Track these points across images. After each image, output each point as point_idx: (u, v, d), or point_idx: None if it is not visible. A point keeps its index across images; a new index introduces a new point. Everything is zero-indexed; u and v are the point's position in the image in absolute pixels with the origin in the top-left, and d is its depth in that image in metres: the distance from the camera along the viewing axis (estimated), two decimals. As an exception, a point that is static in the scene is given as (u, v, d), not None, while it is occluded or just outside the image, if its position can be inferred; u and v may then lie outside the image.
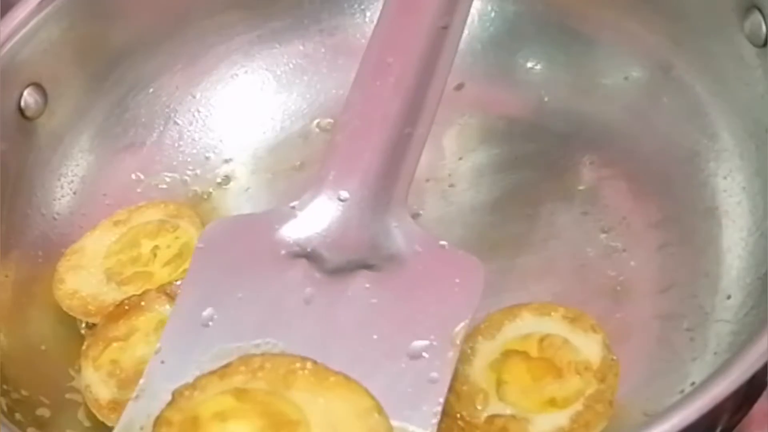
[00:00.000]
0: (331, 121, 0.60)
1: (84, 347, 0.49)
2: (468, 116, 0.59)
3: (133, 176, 0.58)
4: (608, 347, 0.47)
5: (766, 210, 0.51)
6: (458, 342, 0.43)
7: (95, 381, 0.48)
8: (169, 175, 0.58)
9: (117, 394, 0.47)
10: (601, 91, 0.58)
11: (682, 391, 0.47)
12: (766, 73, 0.51)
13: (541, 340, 0.47)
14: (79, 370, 0.49)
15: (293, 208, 0.47)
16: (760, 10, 0.51)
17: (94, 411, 0.48)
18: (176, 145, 0.59)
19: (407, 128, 0.47)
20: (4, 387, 0.47)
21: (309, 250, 0.46)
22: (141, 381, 0.44)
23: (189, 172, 0.58)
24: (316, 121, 0.60)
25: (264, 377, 0.42)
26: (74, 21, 0.55)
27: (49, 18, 0.54)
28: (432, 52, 0.49)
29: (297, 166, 0.59)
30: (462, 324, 0.43)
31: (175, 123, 0.59)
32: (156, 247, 0.52)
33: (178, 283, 0.48)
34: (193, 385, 0.42)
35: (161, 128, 0.59)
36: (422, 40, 0.48)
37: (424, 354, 0.43)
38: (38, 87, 0.54)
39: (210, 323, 0.45)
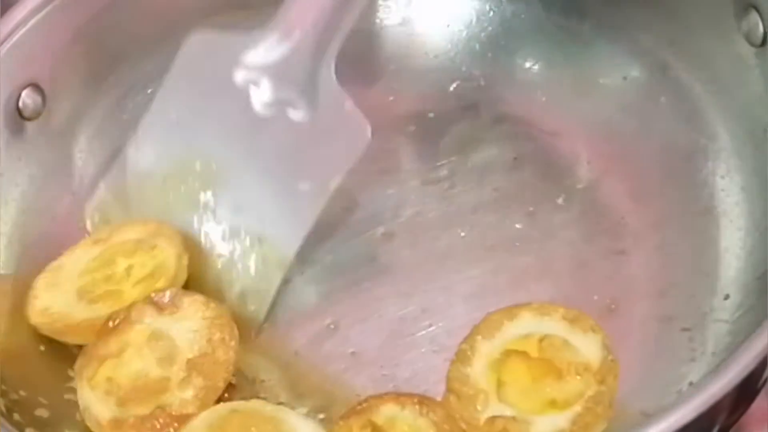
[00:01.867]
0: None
1: (77, 367, 0.49)
2: (468, 116, 0.59)
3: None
4: (608, 348, 0.47)
5: (765, 210, 0.51)
6: (331, 189, 0.51)
7: (93, 401, 0.47)
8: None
9: (117, 411, 0.47)
10: (599, 90, 0.58)
11: (680, 391, 0.47)
12: (763, 72, 0.51)
13: (541, 340, 0.47)
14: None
15: (259, 36, 0.53)
16: (758, 10, 0.51)
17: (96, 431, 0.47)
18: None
19: None
20: (3, 387, 0.47)
21: (258, 77, 0.52)
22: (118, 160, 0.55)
23: (189, 173, 0.58)
24: (315, 121, 0.60)
25: None
26: (74, 21, 0.55)
27: (48, 18, 0.54)
28: None
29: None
30: (337, 177, 0.51)
31: (175, 123, 0.59)
32: (131, 266, 0.52)
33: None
34: None
35: (161, 128, 0.59)
36: None
37: (308, 193, 0.52)
38: (36, 88, 0.54)
39: (177, 123, 0.54)
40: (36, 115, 0.54)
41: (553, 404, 0.45)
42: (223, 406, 0.47)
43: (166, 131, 0.54)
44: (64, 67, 0.55)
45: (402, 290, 0.53)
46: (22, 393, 0.48)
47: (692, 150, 0.55)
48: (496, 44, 0.60)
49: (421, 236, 0.54)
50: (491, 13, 0.61)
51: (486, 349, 0.47)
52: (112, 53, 0.57)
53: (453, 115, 0.59)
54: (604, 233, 0.54)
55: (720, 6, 0.52)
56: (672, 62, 0.56)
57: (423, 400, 0.46)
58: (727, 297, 0.50)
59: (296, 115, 0.52)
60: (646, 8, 0.57)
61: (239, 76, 0.53)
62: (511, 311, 0.49)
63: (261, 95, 0.52)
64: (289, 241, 0.52)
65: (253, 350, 0.51)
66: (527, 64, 0.60)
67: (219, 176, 0.53)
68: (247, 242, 0.52)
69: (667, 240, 0.53)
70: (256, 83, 0.53)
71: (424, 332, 0.51)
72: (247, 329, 0.51)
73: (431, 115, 0.59)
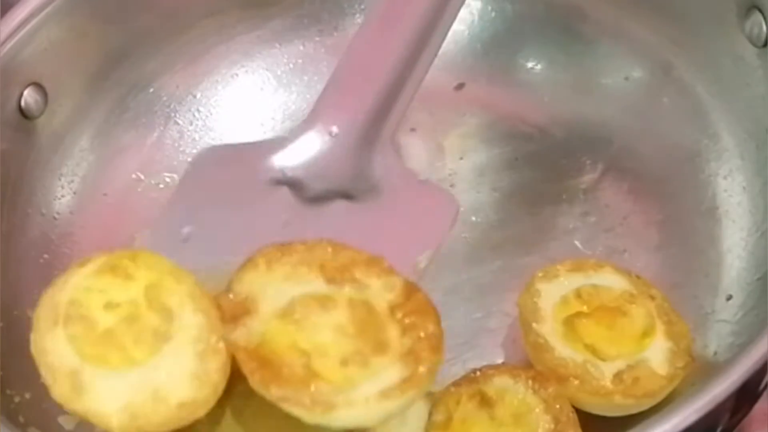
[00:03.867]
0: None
1: None
2: (468, 116, 0.59)
3: (133, 176, 0.58)
4: (622, 271, 0.49)
5: (767, 210, 0.51)
6: (421, 268, 0.45)
7: None
8: (169, 175, 0.58)
9: None
10: (601, 91, 0.58)
11: (682, 392, 0.47)
12: (766, 73, 0.51)
13: (577, 296, 0.48)
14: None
15: (284, 138, 0.48)
16: (761, 11, 0.51)
17: None
18: (176, 145, 0.59)
19: (405, 71, 0.49)
20: (7, 392, 0.48)
21: (293, 178, 0.47)
22: None
23: (189, 172, 0.58)
24: (316, 121, 0.60)
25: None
26: (74, 21, 0.55)
27: (49, 18, 0.54)
28: (438, 4, 0.50)
29: (297, 166, 0.59)
30: (426, 253, 0.46)
31: (175, 123, 0.59)
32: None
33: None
34: None
35: (161, 128, 0.59)
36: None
37: None
38: (38, 87, 0.54)
39: (189, 240, 0.47)
40: (38, 114, 0.54)
41: (644, 334, 0.47)
42: None
43: (177, 254, 0.45)
44: (66, 66, 0.55)
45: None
46: (26, 395, 0.48)
47: (694, 150, 0.55)
48: (497, 44, 0.60)
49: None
50: (493, 13, 0.61)
51: (551, 329, 0.47)
52: (114, 52, 0.57)
53: (454, 115, 0.59)
54: (605, 233, 0.54)
55: (723, 6, 0.52)
56: (674, 62, 0.56)
57: (537, 376, 0.46)
58: (729, 297, 0.50)
59: (353, 204, 0.47)
60: (649, 8, 0.57)
61: (270, 179, 0.47)
62: (529, 291, 0.49)
63: (303, 194, 0.47)
64: None
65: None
66: (529, 64, 0.60)
67: None
68: None
69: (669, 240, 0.53)
70: (294, 184, 0.47)
71: (425, 332, 0.51)
72: None
73: (432, 114, 0.59)
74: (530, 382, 0.46)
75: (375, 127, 0.48)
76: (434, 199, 0.47)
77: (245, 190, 0.48)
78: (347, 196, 0.47)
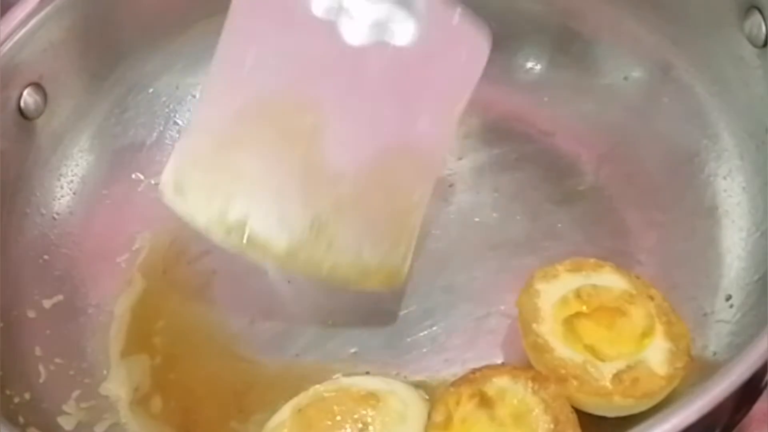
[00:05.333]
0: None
1: None
2: (468, 116, 0.59)
3: (133, 176, 0.58)
4: (621, 270, 0.49)
5: (766, 210, 0.51)
6: (457, 115, 0.47)
7: None
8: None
9: None
10: (601, 91, 0.59)
11: (682, 393, 0.47)
12: (765, 73, 0.51)
13: (577, 296, 0.48)
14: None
15: None
16: (760, 11, 0.51)
17: None
18: (176, 145, 0.59)
19: None
20: (7, 392, 0.48)
21: (342, 8, 0.46)
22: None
23: (189, 172, 0.58)
24: (316, 121, 0.60)
25: None
26: (74, 21, 0.55)
27: (49, 18, 0.54)
28: None
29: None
30: (462, 100, 0.47)
31: (175, 123, 0.59)
32: None
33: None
34: None
35: (161, 128, 0.59)
36: None
37: (431, 126, 0.47)
38: (38, 87, 0.54)
39: (248, 72, 0.48)
40: (38, 114, 0.54)
41: (643, 335, 0.47)
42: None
43: (241, 81, 0.48)
44: (66, 67, 0.55)
45: (403, 290, 0.52)
46: (26, 396, 0.48)
47: (694, 150, 0.55)
48: (497, 44, 0.60)
49: (423, 236, 0.54)
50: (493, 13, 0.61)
51: (550, 329, 0.47)
52: (114, 52, 0.57)
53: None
54: (605, 233, 0.54)
55: (722, 7, 0.52)
56: (674, 63, 0.56)
57: (536, 377, 0.46)
58: (728, 298, 0.50)
59: (399, 37, 0.46)
60: (649, 8, 0.57)
61: (320, 6, 0.46)
62: (528, 292, 0.49)
63: (352, 22, 0.46)
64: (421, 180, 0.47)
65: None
66: (529, 65, 0.60)
67: (317, 125, 0.46)
68: None
69: (669, 240, 0.53)
70: (342, 10, 0.46)
71: (425, 332, 0.51)
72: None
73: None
74: (530, 382, 0.46)
75: None
76: (467, 41, 0.47)
77: (296, 24, 0.47)
78: (392, 23, 0.46)
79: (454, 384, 0.46)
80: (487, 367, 0.47)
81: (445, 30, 0.46)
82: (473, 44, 0.46)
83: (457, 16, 0.46)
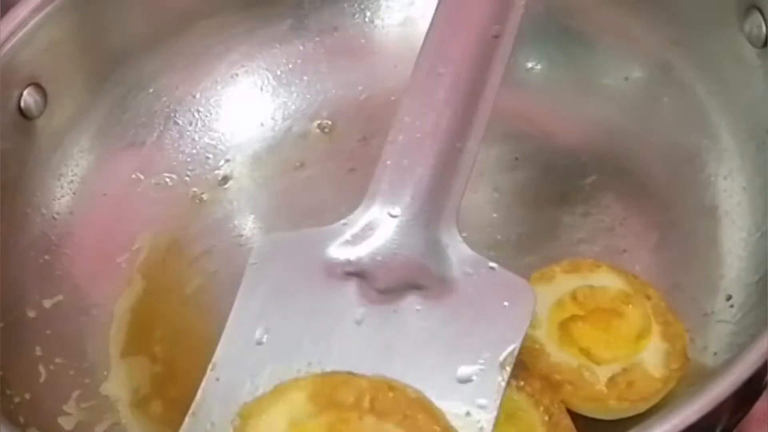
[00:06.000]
0: (331, 122, 0.60)
1: None
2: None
3: (133, 176, 0.58)
4: (620, 271, 0.49)
5: (767, 210, 0.51)
6: (507, 367, 0.43)
7: None
8: (169, 175, 0.58)
9: None
10: (601, 91, 0.58)
11: (682, 393, 0.47)
12: (766, 73, 0.51)
13: (573, 298, 0.48)
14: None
15: (344, 224, 0.46)
16: (760, 11, 0.51)
17: None
18: (176, 145, 0.59)
19: (458, 142, 0.47)
20: (7, 392, 0.48)
21: (360, 269, 0.46)
22: (197, 397, 0.44)
23: (189, 172, 0.58)
24: (316, 122, 0.60)
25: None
26: (74, 21, 0.55)
27: (49, 18, 0.54)
28: (483, 62, 0.48)
29: (297, 166, 0.59)
30: (510, 348, 0.43)
31: (175, 123, 0.59)
32: None
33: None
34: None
35: (161, 128, 0.59)
36: (473, 50, 0.48)
37: (474, 378, 0.43)
38: (38, 87, 0.54)
39: (263, 341, 0.45)
40: (38, 114, 0.54)
41: (639, 336, 0.47)
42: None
43: (254, 358, 0.45)
44: (66, 67, 0.55)
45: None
46: (26, 396, 0.48)
47: (694, 150, 0.55)
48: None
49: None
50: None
51: (545, 333, 0.47)
52: (114, 52, 0.57)
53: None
54: (605, 233, 0.54)
55: (722, 7, 0.52)
56: (674, 63, 0.56)
57: (518, 374, 0.45)
58: (729, 298, 0.50)
59: (426, 298, 0.45)
60: (649, 8, 0.57)
61: (338, 272, 0.46)
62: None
63: (373, 284, 0.45)
64: None
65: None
66: (529, 65, 0.60)
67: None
68: None
69: (669, 241, 0.53)
70: (363, 275, 0.45)
71: (425, 333, 0.51)
72: None
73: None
74: (512, 380, 0.45)
75: (437, 205, 0.46)
76: (509, 288, 0.45)
77: (312, 284, 0.46)
78: (418, 286, 0.45)
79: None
80: None
81: (477, 283, 0.44)
82: (515, 288, 0.44)
83: (489, 269, 0.44)
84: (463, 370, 0.43)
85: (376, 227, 0.46)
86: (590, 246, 0.53)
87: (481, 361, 0.43)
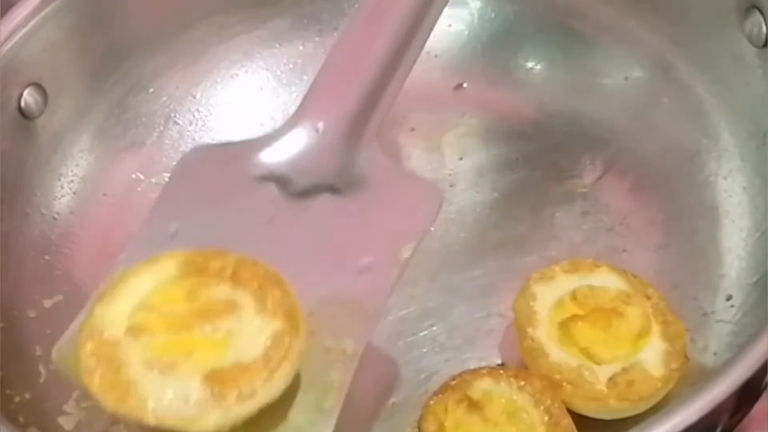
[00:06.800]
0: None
1: None
2: (468, 116, 0.59)
3: (133, 176, 0.58)
4: (619, 270, 0.49)
5: (767, 210, 0.51)
6: (403, 259, 0.44)
7: None
8: (169, 175, 0.58)
9: None
10: (601, 91, 0.58)
11: (682, 393, 0.47)
12: (766, 73, 0.51)
13: (573, 298, 0.48)
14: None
15: (269, 136, 0.49)
16: (761, 11, 0.51)
17: None
18: (176, 145, 0.59)
19: (390, 69, 0.49)
20: (7, 392, 0.48)
21: (278, 174, 0.48)
22: (102, 285, 0.45)
23: (189, 172, 0.58)
24: (316, 122, 0.60)
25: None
26: (74, 21, 0.55)
27: (49, 18, 0.54)
28: (422, 6, 0.50)
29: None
30: (409, 244, 0.45)
31: (175, 123, 0.59)
32: None
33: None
34: None
35: (161, 128, 0.59)
36: None
37: (372, 268, 0.45)
38: (38, 87, 0.54)
39: (176, 236, 0.47)
40: (38, 114, 0.54)
41: (639, 336, 0.47)
42: None
43: (163, 248, 0.45)
44: (66, 66, 0.55)
45: (403, 290, 0.52)
46: (26, 395, 0.48)
47: (694, 150, 0.55)
48: (497, 44, 0.60)
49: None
50: (493, 13, 0.61)
51: (546, 333, 0.47)
52: (114, 52, 0.57)
53: (453, 115, 0.59)
54: (605, 233, 0.54)
55: (723, 7, 0.52)
56: (674, 63, 0.56)
57: (519, 374, 0.46)
58: (729, 298, 0.50)
59: (338, 198, 0.47)
60: (649, 8, 0.57)
61: (256, 175, 0.48)
62: (525, 295, 0.49)
63: (289, 189, 0.48)
64: (359, 333, 0.44)
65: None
66: (529, 64, 0.60)
67: None
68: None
69: (669, 240, 0.53)
70: (280, 180, 0.48)
71: (425, 332, 0.51)
72: None
73: (432, 114, 0.59)
74: (512, 380, 0.45)
75: (360, 123, 0.48)
76: (418, 192, 0.47)
77: (232, 187, 0.48)
78: (333, 189, 0.47)
79: (435, 393, 0.46)
80: (466, 372, 0.47)
81: (390, 187, 0.47)
82: (424, 192, 0.47)
83: (403, 174, 0.47)
84: (363, 261, 0.45)
85: (301, 139, 0.48)
86: (590, 246, 0.53)
87: (382, 252, 0.45)
